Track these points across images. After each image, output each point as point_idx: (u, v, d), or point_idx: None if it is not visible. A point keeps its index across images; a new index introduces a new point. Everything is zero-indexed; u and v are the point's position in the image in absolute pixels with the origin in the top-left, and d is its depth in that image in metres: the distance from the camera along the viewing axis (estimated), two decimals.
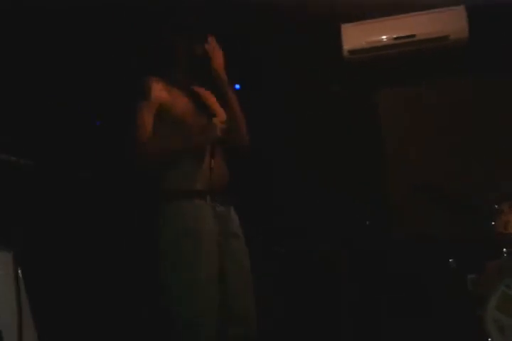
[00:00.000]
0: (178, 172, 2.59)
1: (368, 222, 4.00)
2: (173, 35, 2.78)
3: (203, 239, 2.52)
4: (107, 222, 3.79)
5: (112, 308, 3.63)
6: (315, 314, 3.84)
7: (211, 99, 2.86)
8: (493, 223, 3.61)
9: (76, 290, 3.53)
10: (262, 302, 2.67)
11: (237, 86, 3.86)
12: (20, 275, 2.26)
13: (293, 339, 3.77)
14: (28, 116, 3.68)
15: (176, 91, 2.70)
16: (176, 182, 2.60)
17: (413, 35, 4.04)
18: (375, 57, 4.18)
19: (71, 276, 3.54)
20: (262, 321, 2.64)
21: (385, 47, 4.09)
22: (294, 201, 4.38)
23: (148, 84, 2.61)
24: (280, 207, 4.33)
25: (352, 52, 4.11)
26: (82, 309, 3.52)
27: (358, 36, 4.10)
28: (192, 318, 2.43)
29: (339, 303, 3.88)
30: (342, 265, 3.98)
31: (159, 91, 2.63)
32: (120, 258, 3.73)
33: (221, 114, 2.77)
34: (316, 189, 4.38)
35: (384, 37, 4.09)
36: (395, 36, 4.07)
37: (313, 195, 4.38)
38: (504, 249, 3.55)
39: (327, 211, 4.28)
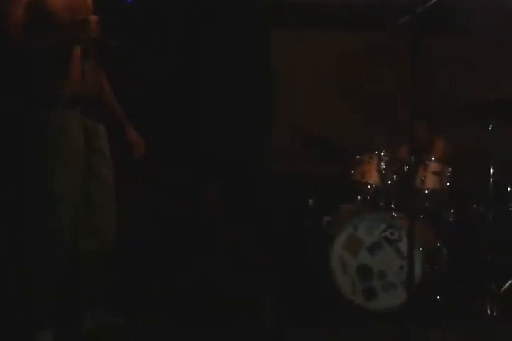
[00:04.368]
0: (44, 77, 2.37)
1: None
2: None
3: (65, 150, 2.41)
4: None
5: None
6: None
7: None
8: (352, 171, 3.83)
9: None
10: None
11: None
12: None
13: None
14: None
15: None
16: (42, 87, 2.38)
17: None
18: None
19: None
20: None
21: None
22: None
23: None
24: None
25: None
26: None
27: None
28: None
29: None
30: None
31: None
32: None
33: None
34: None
35: None
36: None
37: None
38: (358, 196, 3.80)
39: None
